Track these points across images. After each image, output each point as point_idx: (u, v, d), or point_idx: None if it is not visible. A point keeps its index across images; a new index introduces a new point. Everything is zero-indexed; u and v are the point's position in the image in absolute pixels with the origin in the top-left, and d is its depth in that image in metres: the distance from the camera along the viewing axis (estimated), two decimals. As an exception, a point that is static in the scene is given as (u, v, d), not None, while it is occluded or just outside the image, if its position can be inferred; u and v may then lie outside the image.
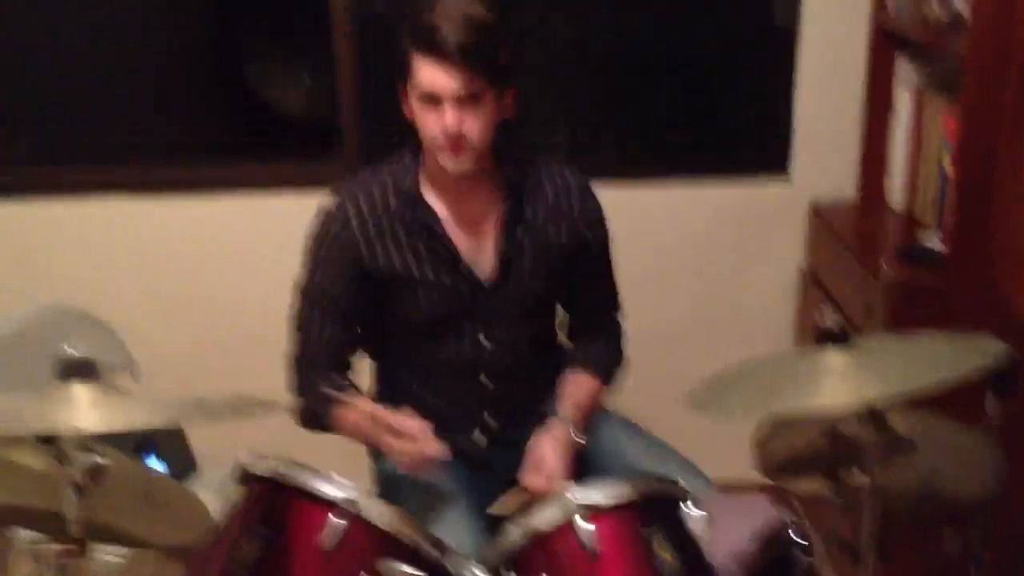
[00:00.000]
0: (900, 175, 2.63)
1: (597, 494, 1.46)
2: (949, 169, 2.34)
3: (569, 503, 1.45)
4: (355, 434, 1.87)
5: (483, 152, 1.80)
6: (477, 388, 1.94)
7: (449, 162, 1.77)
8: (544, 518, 1.46)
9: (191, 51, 2.92)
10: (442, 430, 1.73)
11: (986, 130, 2.10)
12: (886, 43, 2.66)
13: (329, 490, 1.43)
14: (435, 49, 1.69)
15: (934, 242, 2.33)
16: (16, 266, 2.77)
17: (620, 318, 2.09)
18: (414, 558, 1.42)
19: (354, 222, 1.86)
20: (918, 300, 2.23)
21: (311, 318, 1.93)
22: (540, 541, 1.46)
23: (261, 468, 1.48)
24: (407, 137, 1.86)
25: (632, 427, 2.04)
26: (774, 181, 2.80)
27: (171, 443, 2.34)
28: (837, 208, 2.78)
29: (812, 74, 2.73)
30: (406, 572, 1.38)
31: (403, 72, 1.76)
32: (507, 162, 1.88)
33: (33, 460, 1.44)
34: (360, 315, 1.93)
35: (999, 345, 1.44)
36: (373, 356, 2.07)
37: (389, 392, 2.01)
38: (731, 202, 2.80)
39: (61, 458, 1.31)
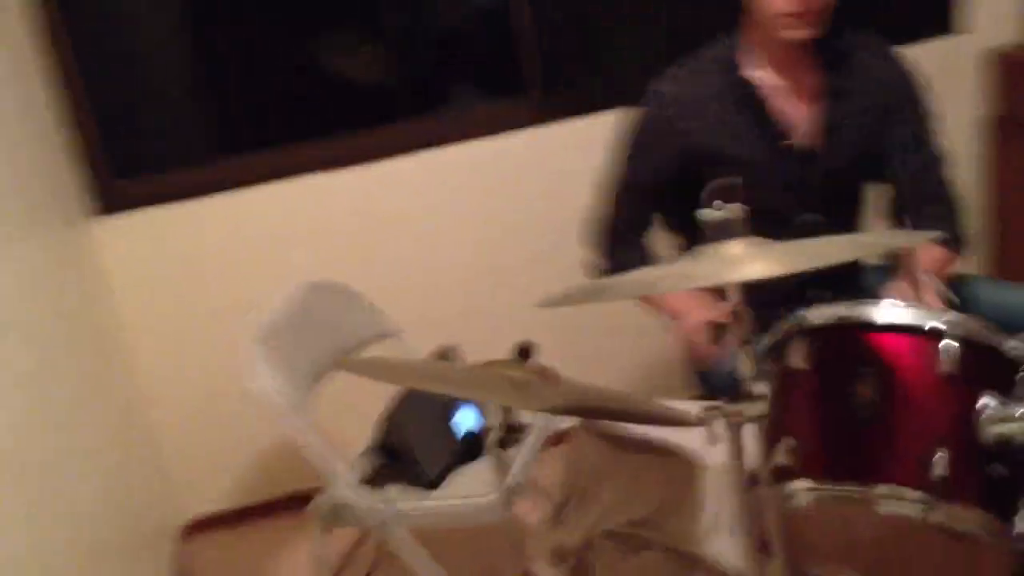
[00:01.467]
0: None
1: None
2: None
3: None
4: (652, 307, 1.99)
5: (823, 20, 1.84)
6: None
7: (794, 32, 1.82)
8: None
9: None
10: (765, 309, 1.72)
11: None
12: None
13: (923, 319, 1.40)
14: None
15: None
16: (255, 254, 2.72)
17: (952, 182, 2.04)
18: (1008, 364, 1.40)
19: (674, 105, 1.93)
20: None
21: (620, 197, 2.06)
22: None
23: (827, 316, 1.46)
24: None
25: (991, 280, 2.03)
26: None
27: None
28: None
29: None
30: None
31: None
32: (825, 34, 1.90)
33: (515, 373, 1.36)
34: (669, 197, 2.00)
35: None
36: (685, 239, 2.11)
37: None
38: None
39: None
